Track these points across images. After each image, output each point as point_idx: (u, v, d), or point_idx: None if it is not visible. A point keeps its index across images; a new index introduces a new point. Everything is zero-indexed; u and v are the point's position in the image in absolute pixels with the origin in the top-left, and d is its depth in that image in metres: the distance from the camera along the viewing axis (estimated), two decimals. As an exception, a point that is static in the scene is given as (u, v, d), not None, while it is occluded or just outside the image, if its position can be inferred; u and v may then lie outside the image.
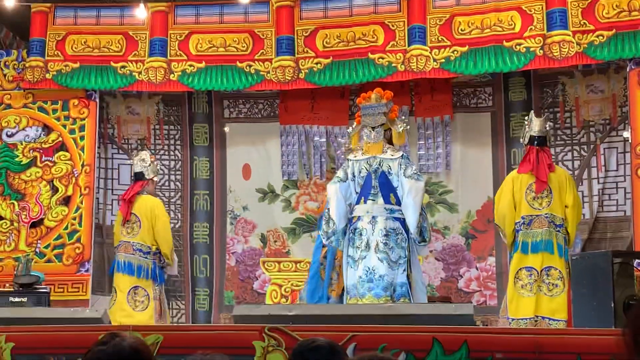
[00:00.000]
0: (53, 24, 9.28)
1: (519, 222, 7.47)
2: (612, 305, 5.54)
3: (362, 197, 6.80)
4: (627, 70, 8.21)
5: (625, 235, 8.53)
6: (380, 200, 6.74)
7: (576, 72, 9.07)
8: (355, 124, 7.24)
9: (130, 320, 7.72)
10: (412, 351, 4.83)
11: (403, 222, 6.72)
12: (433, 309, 5.70)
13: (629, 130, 8.19)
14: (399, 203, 6.73)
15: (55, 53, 9.21)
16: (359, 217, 6.78)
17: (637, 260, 6.51)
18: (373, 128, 6.97)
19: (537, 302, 7.27)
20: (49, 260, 8.90)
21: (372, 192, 6.78)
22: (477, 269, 9.31)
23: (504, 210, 7.53)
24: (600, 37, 8.09)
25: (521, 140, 7.95)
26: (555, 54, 8.22)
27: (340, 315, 5.44)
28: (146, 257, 8.19)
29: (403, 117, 7.45)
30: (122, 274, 8.19)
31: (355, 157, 6.98)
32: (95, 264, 9.21)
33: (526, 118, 8.00)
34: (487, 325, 8.20)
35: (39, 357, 5.30)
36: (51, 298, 8.12)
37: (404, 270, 6.65)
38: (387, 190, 6.76)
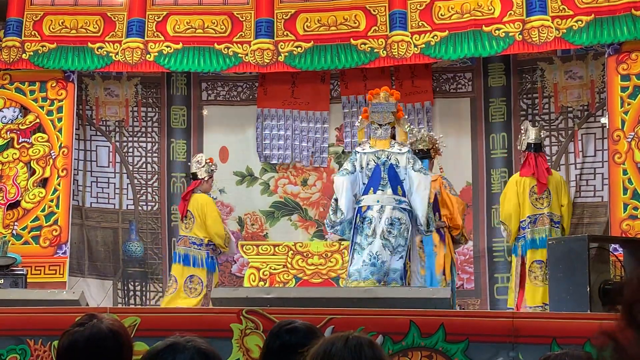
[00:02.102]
0: (30, 4, 9.16)
1: (525, 220, 8.10)
2: (588, 289, 5.59)
3: (372, 188, 7.03)
4: (606, 56, 8.24)
5: (602, 220, 8.60)
6: (389, 190, 6.97)
7: (555, 58, 9.10)
8: (361, 118, 7.37)
9: (186, 305, 8.35)
10: (390, 334, 4.85)
11: (408, 213, 6.93)
12: (410, 292, 5.73)
13: (607, 116, 8.23)
14: (404, 195, 6.93)
15: (32, 33, 9.11)
16: (369, 206, 6.99)
17: (613, 245, 6.56)
18: (380, 125, 7.12)
19: (544, 291, 7.76)
20: (25, 242, 8.84)
21: (381, 182, 7.01)
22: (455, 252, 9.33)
23: (510, 210, 8.19)
24: (579, 22, 8.11)
25: (518, 147, 8.52)
26: (534, 39, 8.24)
27: (318, 299, 5.46)
28: (200, 249, 8.75)
29: (406, 117, 7.65)
30: (179, 265, 8.75)
31: (363, 149, 7.14)
32: (74, 246, 9.19)
33: (522, 127, 8.38)
34: (464, 309, 8.26)
35: (16, 339, 5.28)
36: (28, 280, 8.07)
37: (401, 257, 6.80)
38: (395, 182, 7.00)
